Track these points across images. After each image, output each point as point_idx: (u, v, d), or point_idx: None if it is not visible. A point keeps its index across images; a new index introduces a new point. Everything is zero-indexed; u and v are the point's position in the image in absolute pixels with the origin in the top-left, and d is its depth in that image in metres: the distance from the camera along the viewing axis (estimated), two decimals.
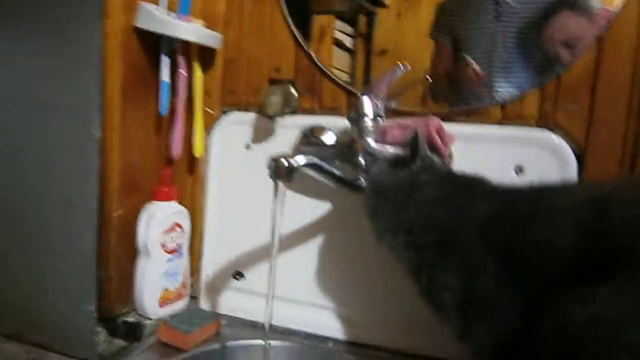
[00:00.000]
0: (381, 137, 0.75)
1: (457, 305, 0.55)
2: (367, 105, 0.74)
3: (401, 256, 0.63)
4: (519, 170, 0.75)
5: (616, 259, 0.43)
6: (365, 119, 0.74)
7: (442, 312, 0.58)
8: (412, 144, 0.66)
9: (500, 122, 0.77)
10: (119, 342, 0.80)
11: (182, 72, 0.85)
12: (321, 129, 0.83)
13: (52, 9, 0.75)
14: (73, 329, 0.79)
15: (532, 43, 0.74)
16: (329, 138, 0.82)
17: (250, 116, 0.90)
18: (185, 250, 0.90)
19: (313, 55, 0.85)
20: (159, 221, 0.84)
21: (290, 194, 0.85)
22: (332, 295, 0.86)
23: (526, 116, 0.75)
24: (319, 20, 0.85)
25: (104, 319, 0.79)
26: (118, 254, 0.82)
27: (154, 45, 0.83)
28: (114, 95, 0.79)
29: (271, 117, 0.85)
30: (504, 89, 0.76)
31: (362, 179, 0.75)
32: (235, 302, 0.91)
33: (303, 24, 0.85)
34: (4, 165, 0.81)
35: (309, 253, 0.86)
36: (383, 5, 0.82)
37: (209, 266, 0.94)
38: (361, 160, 0.75)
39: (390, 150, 0.72)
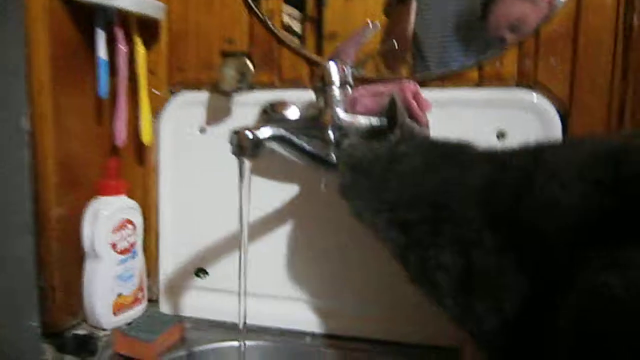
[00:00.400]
0: (351, 107, 0.67)
1: (454, 285, 0.49)
2: (334, 72, 0.66)
3: (385, 237, 0.56)
4: (501, 135, 0.70)
5: None
6: (333, 87, 0.66)
7: (436, 295, 0.51)
8: (390, 112, 0.59)
9: (477, 85, 0.71)
10: (70, 359, 0.71)
11: (121, 47, 0.75)
12: (283, 104, 0.75)
13: None
14: (16, 347, 0.69)
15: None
16: (292, 113, 0.74)
17: (203, 95, 0.81)
18: (139, 249, 0.80)
19: (269, 22, 0.77)
20: (106, 219, 0.74)
21: (253, 177, 0.77)
22: (306, 286, 0.79)
23: (505, 76, 0.70)
24: (268, 4, 0.77)
25: (50, 334, 0.71)
26: (61, 259, 0.72)
27: (87, 17, 0.73)
28: (42, 78, 0.69)
29: (226, 94, 0.76)
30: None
31: (333, 155, 0.68)
32: (200, 302, 0.83)
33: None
34: None
35: (278, 241, 0.79)
36: None
37: (168, 265, 0.85)
38: (331, 134, 0.67)
39: (362, 120, 0.65)
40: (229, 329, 0.79)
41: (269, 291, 0.80)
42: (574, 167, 0.43)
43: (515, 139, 0.68)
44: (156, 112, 0.82)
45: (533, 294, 0.44)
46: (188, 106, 0.82)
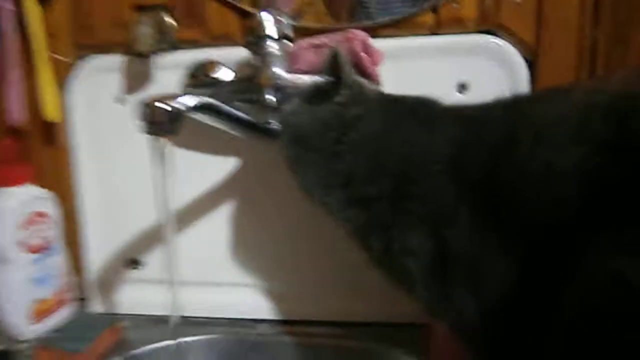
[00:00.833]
0: (292, 64, 0.58)
1: (426, 272, 0.42)
2: (269, 23, 0.56)
3: (340, 217, 0.48)
4: (462, 87, 0.62)
5: None
6: (268, 42, 0.56)
7: (405, 283, 0.44)
8: (333, 68, 0.49)
9: (433, 31, 0.62)
10: None
11: (6, 5, 0.61)
12: (213, 65, 0.64)
13: None
14: None
15: None
16: (224, 74, 0.63)
17: (117, 59, 0.68)
18: (58, 244, 0.69)
19: None
20: (10, 213, 0.62)
21: (182, 152, 0.67)
22: (254, 270, 0.71)
23: (464, 20, 0.61)
24: None
25: None
26: None
27: None
28: None
29: (143, 56, 0.64)
30: None
31: (274, 122, 0.58)
32: (136, 297, 0.73)
33: None
34: None
35: (218, 223, 0.70)
36: None
37: (96, 258, 0.74)
38: (269, 97, 0.58)
39: (305, 79, 0.56)
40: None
41: (213, 278, 0.71)
42: (567, 124, 0.35)
43: (478, 91, 0.62)
44: (62, 81, 0.69)
45: (520, 278, 0.37)
46: (101, 73, 0.69)
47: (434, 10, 0.62)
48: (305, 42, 0.58)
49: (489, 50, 0.61)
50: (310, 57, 0.57)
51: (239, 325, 0.69)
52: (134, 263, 0.73)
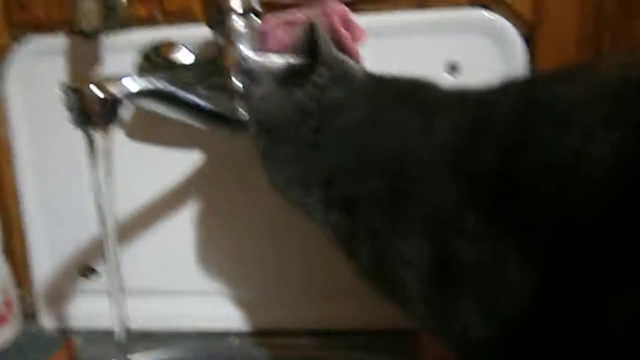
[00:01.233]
0: (261, 44, 0.50)
1: (426, 285, 0.35)
2: None
3: (321, 220, 0.41)
4: (452, 68, 0.56)
5: None
6: (234, 17, 0.48)
7: (399, 297, 0.38)
8: (309, 45, 0.42)
9: (420, 5, 0.56)
10: None
11: None
12: (170, 45, 0.56)
13: None
14: None
15: None
16: (183, 56, 0.55)
17: (60, 40, 0.59)
18: None
19: None
20: None
21: (138, 145, 0.59)
22: (221, 276, 0.63)
23: None
24: None
25: None
26: None
27: None
28: None
29: (89, 36, 0.56)
30: None
31: (241, 110, 0.50)
32: (92, 309, 0.65)
33: None
34: None
35: (180, 226, 0.62)
36: None
37: (44, 268, 0.66)
38: (235, 81, 0.50)
39: (276, 60, 0.48)
40: (133, 339, 0.63)
41: (176, 286, 0.63)
42: (596, 104, 0.29)
43: (470, 72, 0.55)
44: None
45: (541, 291, 0.31)
46: (42, 56, 0.60)
47: None
48: (276, 18, 0.51)
49: (482, 26, 0.54)
50: (281, 35, 0.50)
51: (207, 338, 0.63)
52: (88, 272, 0.65)
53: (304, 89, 0.41)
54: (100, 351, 0.61)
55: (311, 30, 0.41)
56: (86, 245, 0.64)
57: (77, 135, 0.60)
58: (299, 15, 0.50)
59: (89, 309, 0.65)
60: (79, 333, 0.64)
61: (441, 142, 0.35)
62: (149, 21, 0.58)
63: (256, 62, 0.49)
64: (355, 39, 0.48)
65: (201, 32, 0.55)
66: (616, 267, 0.27)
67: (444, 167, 0.35)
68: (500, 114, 0.34)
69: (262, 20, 0.51)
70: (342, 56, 0.43)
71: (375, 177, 0.37)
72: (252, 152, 0.50)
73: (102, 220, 0.35)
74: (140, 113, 0.56)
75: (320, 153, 0.39)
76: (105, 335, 0.62)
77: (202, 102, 0.42)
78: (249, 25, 0.50)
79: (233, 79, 0.50)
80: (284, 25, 0.50)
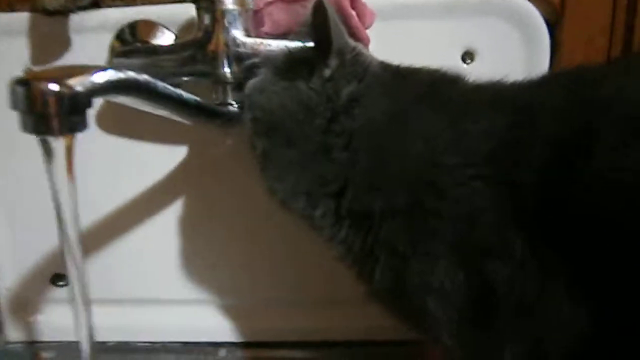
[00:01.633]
0: (255, 26, 0.44)
1: (455, 315, 0.30)
2: None
3: (331, 235, 0.36)
4: (468, 55, 0.51)
5: None
6: None
7: (422, 325, 0.32)
8: (318, 29, 0.36)
9: None
10: None
11: None
12: (149, 25, 0.49)
13: None
14: None
15: None
16: (164, 38, 0.48)
17: (21, 18, 0.52)
18: None
19: None
20: None
21: (117, 141, 0.53)
22: (208, 283, 0.58)
23: None
24: None
25: None
26: None
27: None
28: None
29: (55, 14, 0.48)
30: None
31: (231, 103, 0.44)
32: (62, 320, 0.58)
33: None
34: None
35: (163, 229, 0.56)
36: None
37: (10, 274, 0.59)
38: (226, 70, 0.44)
39: (274, 45, 0.42)
40: (111, 352, 0.58)
41: (159, 295, 0.58)
42: None
43: (487, 61, 0.50)
44: None
45: (598, 329, 0.26)
46: (2, 37, 0.53)
47: None
48: None
49: (502, 10, 0.49)
50: (280, 16, 0.43)
51: (194, 351, 0.58)
52: (59, 279, 0.59)
53: (310, 81, 0.35)
54: None
55: (320, 11, 0.35)
56: (57, 250, 0.57)
57: None
58: None
59: (61, 320, 0.59)
60: (49, 346, 0.59)
61: (474, 149, 0.30)
62: None
63: (249, 47, 0.43)
64: (364, 22, 0.42)
65: (185, 10, 0.49)
66: None
67: (479, 179, 0.29)
68: (548, 118, 0.28)
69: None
70: (355, 43, 0.37)
71: (396, 186, 0.31)
72: (241, 150, 0.45)
73: (64, 232, 0.29)
74: (112, 104, 0.50)
75: (330, 158, 0.34)
76: (77, 349, 0.57)
77: (186, 95, 0.35)
78: (241, 2, 0.43)
79: (223, 67, 0.43)
80: (283, 5, 0.43)
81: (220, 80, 0.44)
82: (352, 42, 0.36)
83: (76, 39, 0.52)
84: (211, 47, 0.43)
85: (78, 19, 0.51)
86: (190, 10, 0.48)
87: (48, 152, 0.24)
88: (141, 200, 0.55)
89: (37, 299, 0.59)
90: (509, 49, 0.49)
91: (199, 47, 0.44)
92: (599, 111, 0.27)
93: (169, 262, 0.57)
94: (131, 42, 0.50)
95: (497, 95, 0.32)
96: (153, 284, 0.57)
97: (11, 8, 0.52)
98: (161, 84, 0.30)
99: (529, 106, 0.30)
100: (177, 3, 0.50)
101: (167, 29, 0.50)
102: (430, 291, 0.30)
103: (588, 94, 0.28)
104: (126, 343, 0.58)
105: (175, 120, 0.49)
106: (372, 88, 0.34)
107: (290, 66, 0.37)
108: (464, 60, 0.50)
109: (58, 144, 0.24)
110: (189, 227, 0.56)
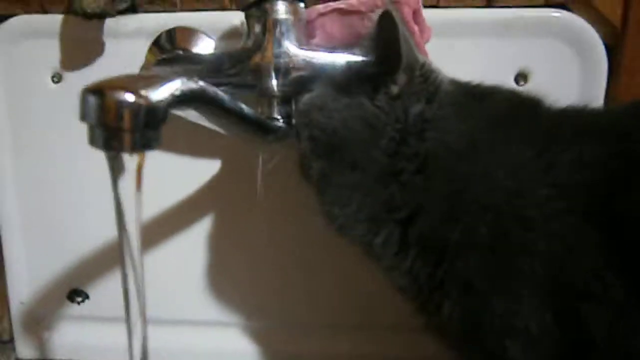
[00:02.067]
0: (308, 36, 0.41)
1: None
2: None
3: (391, 265, 0.33)
4: (522, 77, 0.48)
5: None
6: (278, 3, 0.39)
7: None
8: (383, 42, 0.33)
9: (489, 3, 0.47)
10: None
11: None
12: (188, 32, 0.47)
13: None
14: None
15: None
16: (204, 46, 0.46)
17: (54, 20, 0.50)
18: None
19: None
20: None
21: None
22: (237, 304, 0.55)
23: None
24: None
25: None
26: None
27: None
28: None
29: (91, 17, 0.46)
30: None
31: (279, 120, 0.42)
32: (79, 338, 0.57)
33: None
34: None
35: (191, 247, 0.54)
36: None
37: (24, 288, 0.56)
38: (273, 83, 0.41)
39: (328, 59, 0.39)
40: None
41: (185, 316, 0.55)
42: None
43: (541, 83, 0.48)
44: None
45: None
46: (29, 39, 0.51)
47: None
48: (327, 6, 0.42)
49: (560, 30, 0.47)
50: (333, 28, 0.41)
51: None
52: (77, 294, 0.56)
53: (375, 98, 0.33)
54: None
55: (387, 22, 0.32)
56: (75, 265, 0.55)
57: (67, 135, 0.51)
58: (355, 3, 0.41)
59: (76, 339, 0.57)
60: None
61: (566, 180, 0.27)
62: (166, 4, 0.48)
63: (301, 58, 0.40)
64: (424, 36, 0.39)
65: (227, 18, 0.47)
66: None
67: (572, 213, 0.27)
68: None
69: (309, 8, 0.42)
70: (422, 57, 0.34)
71: (477, 217, 0.29)
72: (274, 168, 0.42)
73: (125, 250, 0.26)
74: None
75: (399, 181, 0.31)
76: None
77: (246, 109, 0.32)
78: (294, 12, 0.41)
79: (270, 78, 0.41)
80: (335, 15, 0.41)
81: (267, 93, 0.42)
82: (421, 57, 0.34)
83: (110, 44, 0.49)
84: (260, 57, 0.41)
85: (113, 24, 0.48)
86: (230, 18, 0.46)
87: (116, 168, 0.21)
88: (167, 217, 0.53)
89: (51, 315, 0.57)
90: (565, 72, 0.47)
91: (246, 57, 0.41)
92: None
93: (197, 282, 0.54)
94: (169, 49, 0.47)
95: (589, 122, 0.30)
96: (179, 303, 0.55)
97: (43, 9, 0.50)
98: (227, 96, 0.27)
99: (625, 136, 0.28)
100: (222, 10, 0.47)
101: (208, 36, 0.47)
102: (511, 334, 0.28)
103: None
104: None
105: (206, 135, 0.48)
106: (445, 108, 0.32)
107: (351, 82, 0.35)
108: (516, 81, 0.48)
109: (128, 161, 0.21)
110: (220, 246, 0.53)
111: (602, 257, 0.26)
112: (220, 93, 0.27)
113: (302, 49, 0.41)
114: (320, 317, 0.54)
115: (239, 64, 0.42)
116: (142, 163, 0.21)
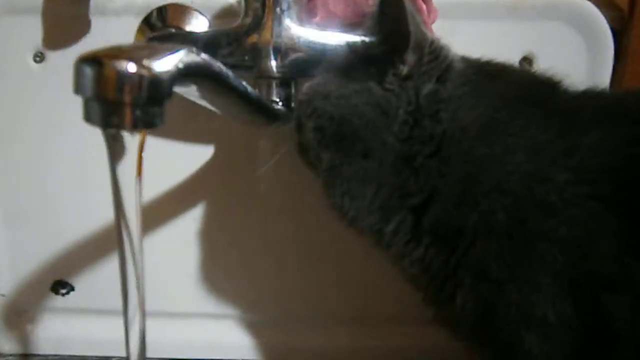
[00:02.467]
0: (310, 15, 0.39)
1: (561, 355, 0.26)
2: None
3: (402, 253, 0.31)
4: (527, 60, 0.48)
5: None
6: None
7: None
8: (394, 19, 0.31)
9: None
10: None
11: None
12: (181, 9, 0.45)
13: None
14: None
15: None
16: (197, 24, 0.44)
17: None
18: None
19: None
20: None
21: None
22: (233, 297, 0.54)
23: None
24: None
25: None
26: None
27: None
28: None
29: None
30: None
31: (277, 102, 0.40)
32: (64, 332, 0.55)
33: None
34: None
35: (185, 237, 0.52)
36: None
37: (5, 280, 0.54)
38: (272, 64, 0.39)
39: (331, 38, 0.38)
40: None
41: (179, 308, 0.54)
42: None
43: (545, 67, 0.46)
44: None
45: None
46: (9, 15, 0.48)
47: None
48: None
49: (567, 14, 0.46)
50: (336, 6, 0.39)
51: None
52: (61, 286, 0.54)
53: (383, 81, 0.31)
54: None
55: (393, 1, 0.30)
56: (59, 255, 0.53)
57: (48, 122, 0.49)
58: None
59: (61, 332, 0.55)
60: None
61: (587, 164, 0.26)
62: None
63: (303, 40, 0.38)
64: (432, 18, 0.38)
65: None
66: None
67: (593, 199, 0.26)
68: None
69: None
70: (432, 36, 0.32)
71: (495, 202, 0.27)
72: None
73: (124, 238, 0.24)
74: None
75: (413, 167, 0.30)
76: None
77: (250, 89, 0.30)
78: None
79: (269, 60, 0.39)
80: None
81: (266, 75, 0.40)
82: (429, 34, 0.32)
83: (97, 22, 0.47)
84: (258, 36, 0.39)
85: (100, 1, 0.46)
86: None
87: (115, 148, 0.19)
88: (159, 206, 0.51)
89: (35, 307, 0.55)
90: (570, 55, 0.47)
91: (244, 36, 0.39)
92: None
93: (191, 274, 0.53)
94: (160, 27, 0.45)
95: (610, 105, 0.29)
96: (172, 296, 0.53)
97: None
98: (231, 73, 0.26)
99: None
100: None
101: (201, 13, 0.45)
102: (528, 324, 0.27)
103: None
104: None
105: (199, 122, 0.46)
106: (459, 88, 0.30)
107: (355, 66, 0.33)
108: (521, 65, 0.47)
109: (129, 140, 0.19)
110: (215, 236, 0.52)
111: (624, 245, 0.25)
112: (225, 69, 0.25)
113: (303, 27, 0.39)
114: (316, 310, 0.53)
115: (236, 43, 0.40)
116: (143, 143, 0.19)
